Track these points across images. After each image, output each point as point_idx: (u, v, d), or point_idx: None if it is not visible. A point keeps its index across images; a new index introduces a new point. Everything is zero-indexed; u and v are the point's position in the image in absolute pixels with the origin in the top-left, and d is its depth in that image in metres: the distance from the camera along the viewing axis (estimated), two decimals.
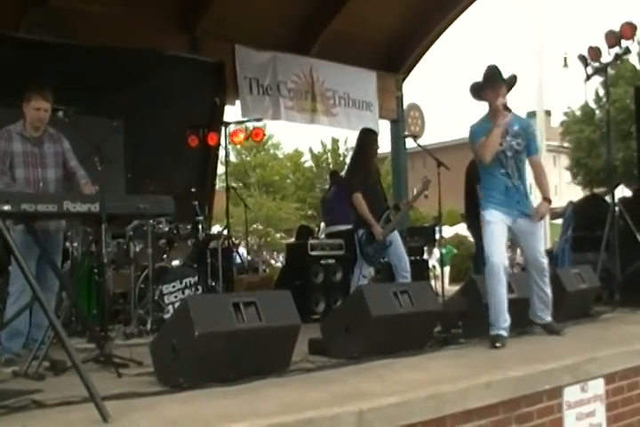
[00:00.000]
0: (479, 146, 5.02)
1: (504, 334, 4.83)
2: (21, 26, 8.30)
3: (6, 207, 3.81)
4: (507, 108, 5.00)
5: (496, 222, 5.02)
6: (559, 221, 11.10)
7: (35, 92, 4.79)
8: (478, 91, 5.14)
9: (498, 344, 4.70)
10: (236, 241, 9.86)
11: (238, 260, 9.59)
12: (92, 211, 4.21)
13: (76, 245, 6.17)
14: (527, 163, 5.21)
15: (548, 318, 5.24)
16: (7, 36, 7.92)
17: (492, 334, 4.82)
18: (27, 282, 2.95)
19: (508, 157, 5.05)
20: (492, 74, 5.12)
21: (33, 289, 2.92)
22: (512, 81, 5.17)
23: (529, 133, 5.17)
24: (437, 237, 8.93)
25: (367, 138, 6.73)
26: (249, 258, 12.53)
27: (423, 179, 6.68)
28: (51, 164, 4.83)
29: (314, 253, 7.58)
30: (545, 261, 5.19)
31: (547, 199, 5.16)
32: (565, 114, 31.43)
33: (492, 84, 5.05)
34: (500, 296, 4.89)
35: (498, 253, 4.96)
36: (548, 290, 5.22)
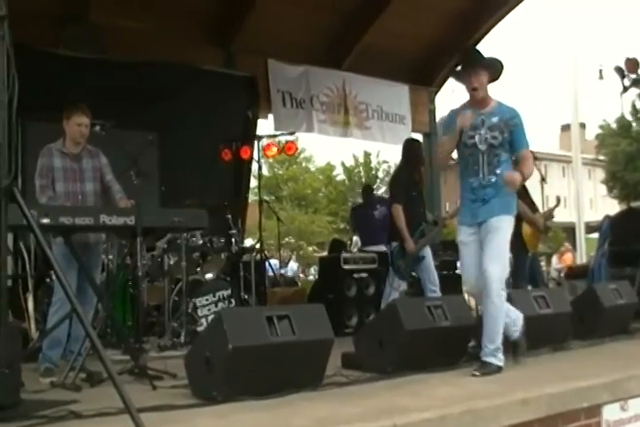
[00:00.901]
0: (439, 145, 4.71)
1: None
2: (61, 42, 8.46)
3: (46, 220, 3.91)
4: (477, 98, 4.46)
5: (465, 243, 4.52)
6: (595, 235, 10.95)
7: (75, 108, 4.89)
8: (458, 74, 4.62)
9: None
10: (269, 254, 9.86)
11: (271, 273, 9.60)
12: (127, 224, 4.29)
13: (111, 257, 6.24)
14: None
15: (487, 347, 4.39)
16: (47, 53, 8.07)
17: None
18: (65, 294, 2.99)
19: (480, 152, 4.45)
20: (466, 54, 4.71)
21: (70, 301, 2.97)
22: (491, 64, 4.52)
23: (512, 126, 4.46)
24: None
25: (411, 148, 6.71)
26: (282, 271, 12.54)
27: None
28: (89, 178, 4.91)
29: (347, 266, 7.57)
30: (490, 275, 4.31)
31: (521, 172, 4.41)
32: (601, 127, 31.10)
33: (464, 66, 4.54)
34: (486, 318, 4.38)
35: (467, 280, 4.60)
36: (493, 313, 4.37)
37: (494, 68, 4.52)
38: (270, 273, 9.43)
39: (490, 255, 4.34)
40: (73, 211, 4.21)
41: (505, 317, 4.45)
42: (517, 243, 6.92)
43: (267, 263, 8.71)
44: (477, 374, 4.21)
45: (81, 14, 8.57)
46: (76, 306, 2.92)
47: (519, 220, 6.84)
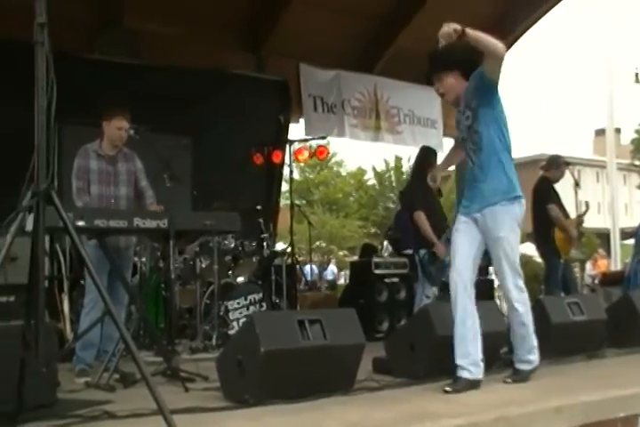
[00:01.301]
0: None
1: (464, 375, 3.96)
2: (96, 47, 8.58)
3: (81, 223, 3.97)
4: (450, 101, 4.23)
5: (460, 230, 4.14)
6: (631, 241, 10.80)
7: (117, 112, 4.95)
8: (430, 81, 4.35)
9: (447, 388, 3.86)
10: (300, 258, 9.88)
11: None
12: (160, 227, 4.33)
13: (144, 260, 6.30)
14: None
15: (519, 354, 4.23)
16: (83, 58, 8.19)
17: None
18: (100, 295, 3.03)
19: (466, 141, 4.15)
20: (429, 61, 4.31)
21: (105, 302, 2.99)
22: (453, 62, 4.20)
23: (472, 85, 4.07)
24: None
25: (426, 156, 6.69)
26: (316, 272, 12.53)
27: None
28: (123, 182, 4.97)
29: (378, 271, 7.55)
30: (510, 289, 4.10)
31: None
32: (636, 131, 30.68)
33: (429, 74, 4.28)
34: (458, 325, 4.04)
35: (457, 267, 4.11)
36: (520, 319, 4.16)
37: (459, 62, 4.19)
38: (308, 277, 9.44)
39: (503, 272, 4.10)
40: (107, 213, 4.26)
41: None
42: (549, 248, 6.86)
43: (307, 267, 8.73)
44: (509, 381, 4.13)
45: (115, 20, 8.70)
46: (110, 307, 2.95)
47: (552, 225, 6.79)
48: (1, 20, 6.96)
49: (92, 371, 4.55)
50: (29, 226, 2.94)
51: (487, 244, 4.11)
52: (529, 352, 4.24)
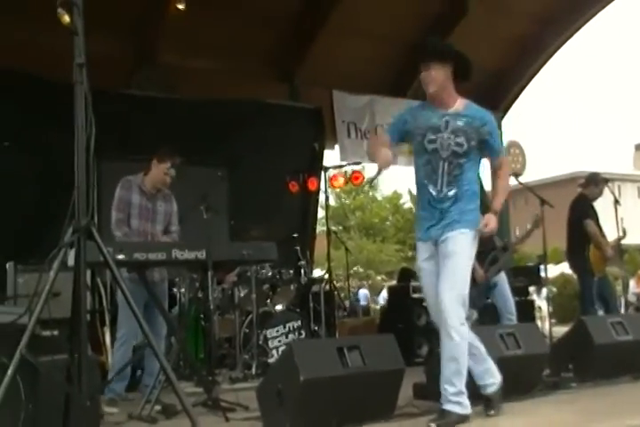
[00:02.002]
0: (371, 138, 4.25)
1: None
2: (133, 83, 8.81)
3: (121, 256, 4.05)
4: (433, 97, 3.94)
5: (423, 269, 3.96)
6: None
7: (169, 156, 5.04)
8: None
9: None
10: (338, 284, 9.88)
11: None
12: (198, 258, 4.39)
13: (183, 291, 6.38)
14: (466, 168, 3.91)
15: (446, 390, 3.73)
16: (120, 94, 8.41)
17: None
18: (135, 330, 3.08)
19: (441, 160, 3.85)
20: (421, 46, 4.12)
21: (145, 334, 3.05)
22: (451, 57, 3.94)
23: (485, 135, 3.92)
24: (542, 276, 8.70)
25: None
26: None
27: (535, 216, 6.50)
28: (160, 220, 5.07)
29: (416, 295, 7.52)
30: (445, 307, 3.70)
31: (494, 211, 3.93)
32: None
33: (418, 60, 3.98)
34: (443, 357, 3.75)
35: (429, 307, 3.96)
36: (451, 351, 3.72)
37: (457, 62, 3.98)
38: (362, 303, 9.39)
39: (444, 284, 3.74)
40: (146, 246, 4.34)
41: (470, 356, 3.82)
42: (582, 266, 6.78)
43: (359, 293, 8.71)
44: (433, 425, 3.59)
45: (151, 56, 8.94)
46: (150, 339, 3.00)
47: (587, 242, 6.71)
48: (43, 60, 7.20)
49: (120, 401, 4.64)
50: (71, 261, 3.02)
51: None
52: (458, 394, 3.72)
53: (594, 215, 6.88)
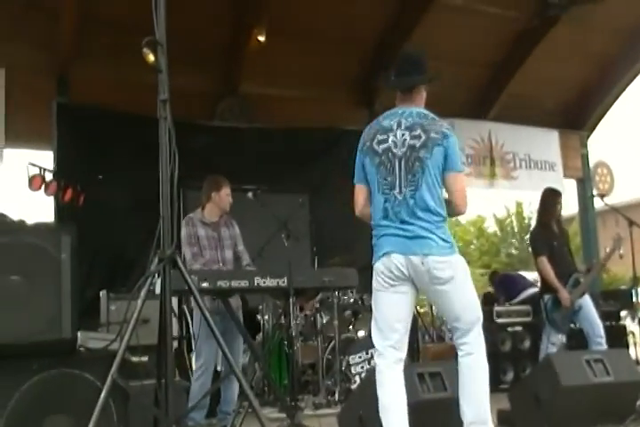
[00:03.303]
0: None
1: None
2: (216, 114, 9.11)
3: (205, 284, 4.18)
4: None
5: (378, 289, 3.51)
6: None
7: (224, 180, 5.25)
8: None
9: None
10: (421, 310, 9.78)
11: None
12: (280, 285, 4.47)
13: (266, 318, 6.47)
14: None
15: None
16: (203, 125, 8.70)
17: None
18: (215, 359, 3.17)
19: (396, 158, 3.46)
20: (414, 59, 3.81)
21: (229, 363, 3.13)
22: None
23: (437, 132, 3.47)
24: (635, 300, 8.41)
25: (549, 198, 6.57)
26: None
27: (615, 236, 6.33)
28: (227, 245, 5.21)
29: (500, 320, 7.40)
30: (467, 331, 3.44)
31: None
32: None
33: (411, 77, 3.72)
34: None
35: (376, 340, 3.54)
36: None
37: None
38: None
39: (459, 304, 3.45)
40: (229, 274, 4.46)
41: None
42: None
43: None
44: None
45: (233, 88, 9.22)
46: (234, 367, 3.08)
47: None
48: (131, 95, 7.57)
49: None
50: (158, 289, 3.14)
51: None
52: None
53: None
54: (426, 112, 3.59)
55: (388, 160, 3.47)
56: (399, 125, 3.51)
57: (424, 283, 3.41)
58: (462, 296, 3.45)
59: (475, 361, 3.49)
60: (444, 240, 3.40)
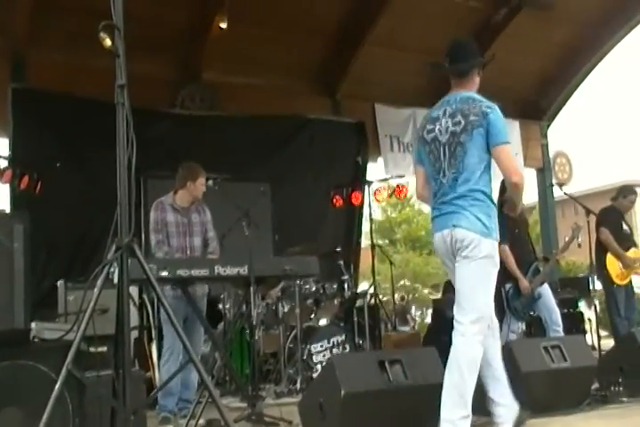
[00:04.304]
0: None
1: None
2: (177, 102, 8.99)
3: (164, 273, 4.12)
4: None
5: (450, 270, 3.76)
6: None
7: (201, 170, 5.17)
8: None
9: None
10: (384, 298, 9.84)
11: None
12: (240, 274, 4.44)
13: (228, 306, 6.43)
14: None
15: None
16: (164, 113, 8.59)
17: None
18: (181, 344, 3.14)
19: (441, 145, 3.69)
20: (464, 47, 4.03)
21: (187, 350, 3.09)
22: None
23: (476, 114, 3.63)
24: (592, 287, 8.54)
25: (505, 188, 6.62)
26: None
27: (573, 226, 6.43)
28: (197, 232, 5.15)
29: None
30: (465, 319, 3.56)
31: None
32: None
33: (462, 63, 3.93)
34: None
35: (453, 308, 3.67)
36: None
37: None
38: None
39: (468, 291, 3.56)
40: (189, 263, 4.41)
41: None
42: (601, 273, 6.74)
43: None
44: None
45: (195, 75, 9.11)
46: (192, 355, 3.05)
47: (605, 250, 6.65)
48: (89, 81, 7.41)
49: (174, 418, 4.66)
50: (117, 278, 3.09)
51: None
52: None
53: (615, 224, 6.81)
54: (470, 95, 3.76)
55: (435, 148, 3.70)
56: (444, 114, 3.73)
57: (454, 255, 3.60)
58: (469, 281, 3.54)
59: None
60: (476, 218, 3.54)
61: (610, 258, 6.72)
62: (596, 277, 7.18)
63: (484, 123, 3.57)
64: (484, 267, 3.55)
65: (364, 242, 11.72)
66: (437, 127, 3.73)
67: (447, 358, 3.85)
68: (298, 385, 5.93)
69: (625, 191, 7.07)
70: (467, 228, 3.52)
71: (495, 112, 3.61)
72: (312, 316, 6.80)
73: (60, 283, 6.15)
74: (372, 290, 8.52)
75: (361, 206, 10.13)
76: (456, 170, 3.60)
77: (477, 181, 3.57)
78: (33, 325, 3.68)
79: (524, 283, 6.11)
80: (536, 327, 7.46)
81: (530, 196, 12.74)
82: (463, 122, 3.61)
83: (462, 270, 3.56)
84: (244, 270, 4.46)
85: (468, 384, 3.42)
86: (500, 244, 6.14)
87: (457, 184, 3.58)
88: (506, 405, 3.69)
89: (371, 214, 9.34)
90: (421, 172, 3.88)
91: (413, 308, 18.65)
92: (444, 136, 3.67)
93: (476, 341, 3.51)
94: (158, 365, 5.40)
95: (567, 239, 6.48)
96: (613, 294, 6.71)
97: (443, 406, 3.42)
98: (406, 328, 11.37)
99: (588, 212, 6.51)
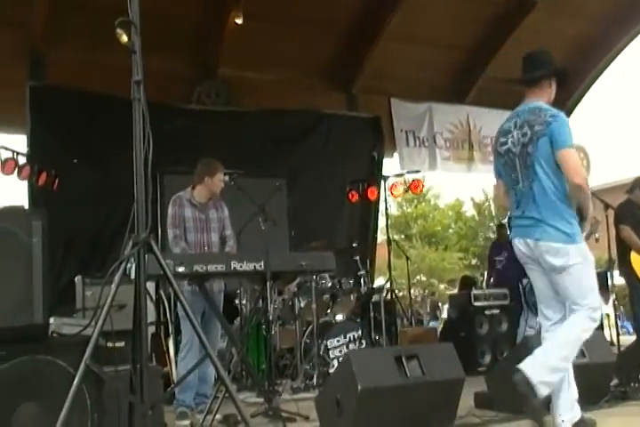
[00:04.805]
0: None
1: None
2: (193, 98, 9.01)
3: (181, 269, 4.14)
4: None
5: (530, 270, 3.91)
6: None
7: (219, 166, 5.16)
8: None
9: None
10: (400, 294, 9.83)
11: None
12: (257, 269, 4.44)
13: (244, 302, 6.44)
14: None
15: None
16: (180, 109, 8.61)
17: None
18: (198, 339, 3.14)
19: (515, 156, 3.83)
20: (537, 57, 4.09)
21: (204, 346, 3.09)
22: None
23: (540, 124, 3.72)
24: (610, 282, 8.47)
25: None
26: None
27: (591, 220, 6.37)
28: (214, 228, 5.15)
29: (477, 303, 7.44)
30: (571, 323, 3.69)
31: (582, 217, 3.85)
32: None
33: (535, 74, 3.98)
34: None
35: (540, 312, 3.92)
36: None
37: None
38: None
39: (569, 291, 3.70)
40: (206, 259, 4.41)
41: None
42: (625, 270, 6.65)
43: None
44: None
45: (211, 71, 9.12)
46: (208, 350, 3.05)
47: (628, 247, 6.58)
48: (106, 79, 7.44)
49: (191, 413, 4.67)
50: (134, 274, 3.09)
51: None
52: None
53: (634, 219, 6.71)
54: (537, 105, 3.84)
55: (509, 159, 3.87)
56: (515, 126, 3.87)
57: (539, 262, 3.77)
58: (577, 282, 3.68)
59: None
60: (556, 229, 3.68)
61: (634, 255, 6.62)
62: (618, 273, 7.10)
63: (548, 131, 3.69)
64: (580, 271, 3.70)
65: (380, 237, 11.70)
66: (510, 139, 3.87)
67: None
68: (314, 380, 5.93)
69: None
70: (550, 240, 3.68)
71: (558, 119, 3.72)
72: (328, 311, 6.79)
73: (77, 278, 6.19)
74: (388, 285, 8.52)
75: (377, 202, 10.11)
76: (531, 180, 3.75)
77: (553, 189, 3.70)
78: (52, 320, 3.70)
79: None
80: None
81: None
82: (529, 133, 3.76)
83: (563, 280, 3.71)
84: (260, 266, 4.46)
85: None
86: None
87: (534, 193, 3.74)
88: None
89: (387, 209, 9.32)
90: (501, 183, 4.04)
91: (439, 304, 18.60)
92: (516, 148, 3.83)
93: (590, 319, 3.70)
94: (175, 360, 5.43)
95: (585, 233, 6.42)
96: (638, 289, 6.62)
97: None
98: (437, 324, 11.34)
99: (607, 206, 6.45)
